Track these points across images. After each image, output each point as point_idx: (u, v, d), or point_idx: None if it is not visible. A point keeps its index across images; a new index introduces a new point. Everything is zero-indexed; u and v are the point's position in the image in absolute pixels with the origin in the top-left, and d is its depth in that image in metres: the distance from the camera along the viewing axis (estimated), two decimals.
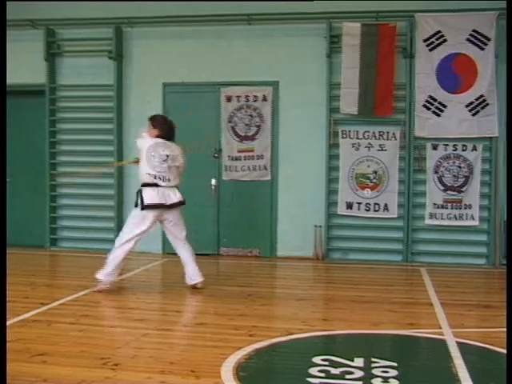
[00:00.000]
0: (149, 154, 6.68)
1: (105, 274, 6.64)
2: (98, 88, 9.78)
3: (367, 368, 4.22)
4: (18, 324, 5.39)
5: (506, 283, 6.33)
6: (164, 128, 6.87)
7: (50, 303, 6.18)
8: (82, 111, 9.90)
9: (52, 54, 9.87)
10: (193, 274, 6.86)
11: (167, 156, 6.76)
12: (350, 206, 9.12)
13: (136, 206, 6.72)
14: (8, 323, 5.36)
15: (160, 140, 6.77)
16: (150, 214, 6.64)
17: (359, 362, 4.34)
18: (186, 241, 6.89)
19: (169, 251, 9.34)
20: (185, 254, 6.86)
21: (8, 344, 4.74)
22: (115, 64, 9.63)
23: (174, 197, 6.80)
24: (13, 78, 9.81)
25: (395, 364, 4.30)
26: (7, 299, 6.26)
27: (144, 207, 6.58)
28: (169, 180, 6.75)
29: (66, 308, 6.07)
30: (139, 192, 6.64)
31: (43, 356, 4.48)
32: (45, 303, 6.16)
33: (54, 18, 9.76)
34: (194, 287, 6.86)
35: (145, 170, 6.67)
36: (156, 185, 6.65)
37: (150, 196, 6.60)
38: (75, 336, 5.04)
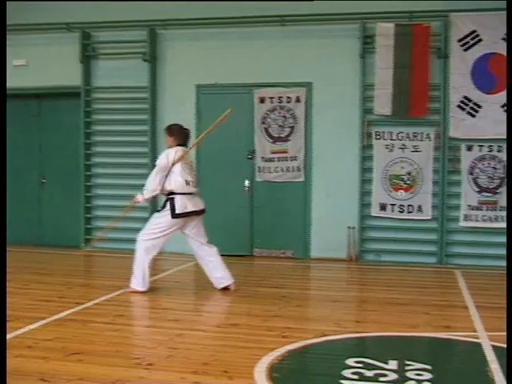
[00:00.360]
0: (183, 161, 6.71)
1: (139, 284, 6.69)
2: (132, 90, 9.87)
3: (401, 371, 4.20)
4: (54, 323, 5.47)
5: (506, 283, 6.27)
6: (182, 137, 6.94)
7: (86, 303, 6.25)
8: (116, 113, 10.00)
9: (87, 56, 9.98)
10: (222, 277, 6.87)
11: (191, 163, 6.88)
12: (383, 207, 9.07)
13: (158, 211, 6.79)
14: (44, 322, 5.46)
15: (181, 148, 6.83)
16: (178, 222, 6.68)
17: (393, 364, 4.31)
18: (209, 244, 6.91)
19: None
20: (212, 258, 6.87)
21: (44, 342, 4.84)
22: (149, 66, 9.70)
23: (201, 203, 6.86)
24: (49, 80, 10.03)
25: (429, 367, 4.26)
26: (42, 298, 6.40)
27: (176, 216, 6.61)
28: (195, 187, 6.82)
29: (100, 308, 6.13)
30: (170, 200, 6.67)
31: (79, 355, 4.53)
32: (80, 303, 6.23)
33: (90, 21, 9.86)
34: (226, 289, 6.86)
35: (183, 178, 6.68)
36: (188, 192, 6.70)
37: (183, 204, 6.64)
38: (110, 336, 5.09)
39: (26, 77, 10.15)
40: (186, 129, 7.10)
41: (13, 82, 10.13)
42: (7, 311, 5.78)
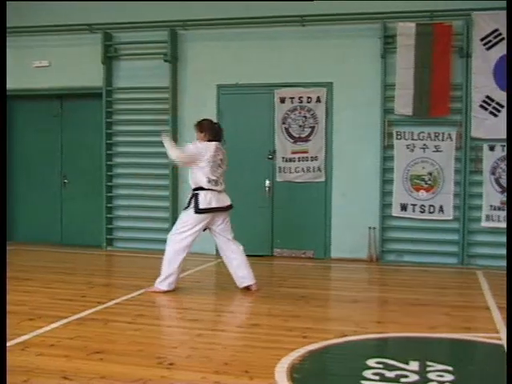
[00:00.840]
0: (211, 159, 6.71)
1: (163, 284, 6.72)
2: (153, 90, 9.91)
3: (422, 372, 4.18)
4: (76, 322, 5.51)
5: (506, 283, 6.21)
6: (212, 132, 6.91)
7: (107, 302, 6.29)
8: (137, 113, 10.05)
9: (109, 57, 10.04)
10: (245, 277, 6.88)
11: (221, 160, 6.84)
12: (404, 207, 9.03)
13: (185, 209, 6.81)
14: (66, 321, 5.50)
15: (215, 143, 6.82)
16: (203, 218, 6.69)
17: (414, 365, 4.29)
18: (235, 241, 6.91)
19: None
20: (237, 256, 6.88)
21: (66, 341, 4.87)
22: (170, 66, 9.74)
23: (227, 199, 6.87)
24: (71, 81, 10.12)
25: (451, 368, 4.24)
26: (64, 297, 6.46)
27: (199, 211, 6.63)
28: (221, 184, 6.82)
29: (122, 307, 6.17)
30: (195, 196, 6.69)
31: (100, 354, 4.56)
32: (102, 302, 6.27)
33: (111, 22, 9.92)
34: (247, 289, 6.88)
35: (206, 175, 6.69)
36: (212, 189, 6.70)
37: (207, 200, 6.66)
38: (131, 335, 5.12)
39: (49, 78, 10.24)
40: (216, 123, 7.09)
41: (35, 82, 10.30)
42: (31, 310, 5.85)
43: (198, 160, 6.67)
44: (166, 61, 9.71)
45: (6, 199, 10.74)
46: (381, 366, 4.29)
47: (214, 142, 6.81)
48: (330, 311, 6.44)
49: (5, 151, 5.93)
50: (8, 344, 4.72)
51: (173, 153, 6.78)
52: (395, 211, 9.07)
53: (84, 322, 5.54)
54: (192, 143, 6.84)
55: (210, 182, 6.69)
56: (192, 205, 6.68)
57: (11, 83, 10.39)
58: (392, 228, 9.19)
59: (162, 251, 6.84)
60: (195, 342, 4.92)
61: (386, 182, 9.10)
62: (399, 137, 8.98)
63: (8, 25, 10.19)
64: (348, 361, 4.57)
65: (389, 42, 8.99)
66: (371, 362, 4.35)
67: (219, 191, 6.78)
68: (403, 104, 8.89)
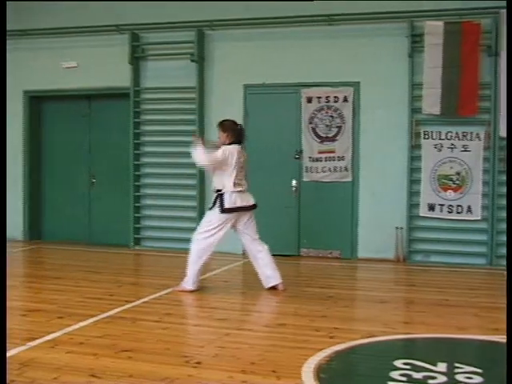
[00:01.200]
0: (236, 163, 6.74)
1: (189, 283, 6.75)
2: (180, 90, 9.96)
3: (450, 373, 4.15)
4: (104, 320, 5.56)
5: (506, 283, 6.13)
6: (235, 133, 6.91)
7: (135, 301, 6.34)
8: (164, 113, 10.11)
9: (136, 57, 10.11)
10: (271, 276, 6.88)
11: (243, 162, 6.88)
12: (432, 207, 8.97)
13: (210, 209, 6.84)
14: (95, 319, 5.55)
15: (238, 147, 6.84)
16: (229, 218, 6.72)
17: (442, 366, 4.27)
18: (261, 241, 6.93)
19: None
20: (263, 255, 6.89)
21: (95, 339, 4.92)
22: (197, 66, 9.78)
23: (251, 199, 6.89)
24: (99, 81, 10.21)
25: (480, 370, 4.21)
26: (93, 296, 6.51)
27: (225, 210, 6.65)
28: (244, 184, 6.85)
29: (149, 306, 6.21)
30: (220, 196, 6.71)
31: (128, 352, 4.60)
32: (129, 301, 6.32)
33: (139, 22, 9.99)
34: (273, 288, 6.88)
35: (232, 179, 6.71)
36: (236, 190, 6.73)
37: (232, 199, 6.68)
38: (159, 334, 5.15)
39: (77, 78, 10.35)
40: (239, 125, 7.10)
41: (64, 83, 10.41)
42: (60, 308, 5.92)
43: (224, 165, 6.70)
44: (192, 61, 9.76)
45: (33, 199, 10.91)
46: (408, 367, 4.26)
47: (236, 146, 6.83)
48: (357, 311, 6.42)
49: (5, 151, 6.01)
50: (38, 341, 4.81)
51: (201, 158, 6.79)
52: (423, 211, 9.01)
53: (112, 320, 5.59)
54: (220, 150, 6.81)
55: (235, 185, 6.72)
56: (217, 205, 6.71)
57: (41, 84, 10.59)
58: (419, 228, 9.13)
59: (189, 250, 6.87)
60: (222, 342, 4.94)
61: (413, 181, 9.04)
62: (427, 136, 8.92)
63: (37, 27, 10.39)
64: (375, 361, 4.56)
65: (416, 40, 8.93)
66: (398, 363, 4.33)
67: (243, 191, 6.80)
68: (431, 103, 8.83)
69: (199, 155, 6.77)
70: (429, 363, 4.32)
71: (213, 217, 6.75)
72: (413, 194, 9.05)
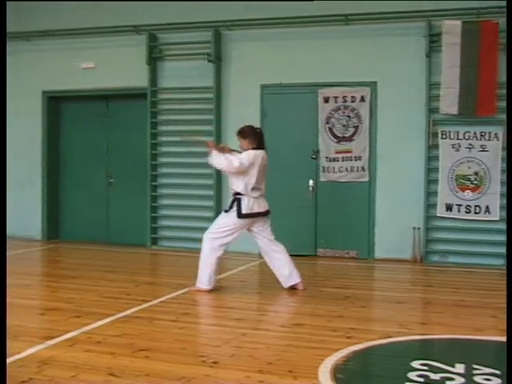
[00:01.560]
0: (260, 168, 6.74)
1: (203, 283, 6.76)
2: (197, 90, 9.99)
3: (468, 375, 4.13)
4: (121, 319, 5.59)
5: (506, 283, 6.07)
6: (256, 138, 6.90)
7: (152, 301, 6.36)
8: (181, 113, 10.14)
9: (154, 58, 10.15)
10: (290, 275, 6.87)
11: (265, 167, 6.87)
12: (449, 207, 8.92)
13: (226, 211, 6.84)
14: (112, 318, 5.59)
15: (262, 151, 6.84)
16: (244, 222, 6.73)
17: (460, 368, 4.25)
18: (277, 242, 6.92)
19: None
20: (280, 255, 6.89)
21: (112, 338, 4.95)
22: (214, 66, 9.80)
23: (266, 204, 6.89)
24: (117, 81, 10.26)
25: (498, 372, 4.17)
26: (110, 295, 6.55)
27: (242, 216, 6.66)
28: (262, 190, 6.85)
29: (166, 306, 6.23)
30: (237, 200, 6.72)
31: (146, 351, 4.62)
32: (146, 300, 6.35)
33: (156, 23, 10.03)
34: (293, 288, 6.88)
35: (252, 184, 6.71)
36: (254, 196, 6.74)
37: (250, 204, 6.68)
38: (176, 333, 5.17)
39: (95, 79, 10.41)
40: (258, 129, 7.09)
41: (82, 83, 10.47)
42: (76, 307, 5.95)
43: (248, 169, 6.70)
44: (209, 61, 9.77)
45: (51, 199, 10.98)
46: (426, 367, 4.25)
47: (261, 151, 6.82)
48: (373, 312, 6.41)
49: (5, 151, 6.06)
50: (56, 340, 4.85)
51: (223, 163, 6.81)
52: (440, 211, 8.97)
53: (129, 319, 5.62)
54: (245, 154, 6.78)
55: (253, 189, 6.73)
56: (234, 208, 6.71)
57: (59, 85, 10.66)
58: (437, 228, 9.09)
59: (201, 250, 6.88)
60: (239, 341, 4.95)
61: (430, 181, 9.00)
62: (444, 136, 8.88)
63: (56, 27, 10.46)
64: (392, 362, 4.55)
65: (434, 40, 8.89)
66: (416, 364, 4.32)
67: (260, 196, 6.81)
68: (448, 103, 8.78)
69: (220, 160, 6.78)
70: (446, 364, 4.30)
71: (229, 220, 6.75)
72: (430, 194, 9.01)
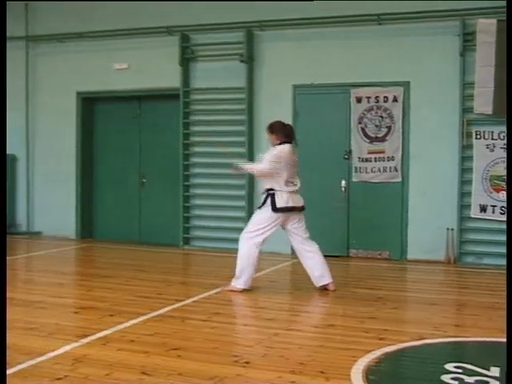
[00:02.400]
0: (288, 162, 6.75)
1: (239, 282, 6.77)
2: (229, 91, 10.01)
3: (504, 378, 4.07)
4: (154, 319, 5.63)
5: (506, 283, 5.96)
6: (285, 132, 6.91)
7: (184, 300, 6.40)
8: (214, 114, 10.17)
9: (186, 58, 10.20)
10: (322, 275, 6.85)
11: (294, 161, 6.86)
12: (483, 208, 8.82)
13: (259, 208, 6.85)
14: (145, 317, 5.63)
15: (288, 146, 6.84)
16: (279, 217, 6.72)
17: (495, 371, 4.19)
18: (311, 241, 6.90)
19: None
20: (313, 254, 6.87)
21: (145, 337, 4.99)
22: (246, 67, 9.81)
23: (301, 200, 6.88)
24: (150, 82, 10.33)
25: None
26: (143, 295, 6.59)
27: (277, 209, 6.65)
28: (296, 184, 6.83)
29: (198, 305, 6.26)
30: (271, 195, 6.72)
31: (178, 350, 4.65)
32: (179, 300, 6.38)
33: (189, 24, 10.08)
34: (324, 288, 6.86)
35: (284, 179, 6.72)
36: (289, 190, 6.73)
37: (284, 199, 6.68)
38: (208, 333, 5.19)
39: (128, 79, 10.49)
40: (287, 125, 7.11)
41: (115, 84, 10.57)
42: (111, 306, 6.01)
43: (278, 167, 6.70)
44: (242, 61, 9.79)
45: (85, 198, 11.11)
46: (460, 370, 4.21)
47: (287, 145, 6.83)
48: (406, 313, 6.36)
49: (5, 151, 6.13)
50: (90, 338, 4.90)
51: (256, 169, 6.86)
52: (474, 212, 8.87)
53: (162, 319, 5.66)
54: (268, 154, 6.83)
55: (287, 184, 6.72)
56: (268, 203, 6.71)
57: (93, 86, 10.78)
58: (471, 229, 8.98)
59: (238, 250, 6.89)
60: (271, 341, 4.95)
61: (464, 182, 8.91)
62: (479, 136, 8.78)
63: (90, 29, 10.58)
64: (425, 364, 4.50)
65: (468, 39, 8.79)
66: (450, 367, 4.28)
67: (295, 191, 6.80)
68: (483, 103, 8.68)
69: (252, 169, 6.84)
70: (481, 367, 4.25)
71: (263, 215, 6.75)
72: (464, 194, 8.91)
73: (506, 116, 8.18)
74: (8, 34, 10.98)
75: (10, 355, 4.38)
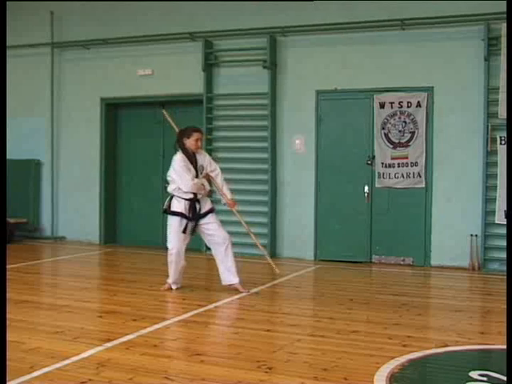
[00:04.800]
0: None
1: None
2: (252, 96, 10.03)
3: None
4: (177, 324, 5.65)
5: (506, 283, 5.86)
6: None
7: (207, 305, 6.40)
8: (237, 119, 10.19)
9: (209, 64, 10.24)
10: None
11: None
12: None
13: None
14: (168, 322, 5.65)
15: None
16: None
17: None
18: None
19: (322, 258, 9.43)
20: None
21: (169, 342, 5.01)
22: (269, 73, 9.83)
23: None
24: (173, 88, 10.40)
25: None
26: (166, 300, 6.62)
27: None
28: None
29: (221, 310, 6.28)
30: None
31: (201, 356, 4.65)
32: (202, 305, 6.39)
33: (212, 30, 10.12)
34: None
35: None
36: None
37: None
38: (231, 338, 5.21)
39: (152, 85, 10.58)
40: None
41: (139, 90, 10.66)
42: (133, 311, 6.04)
43: None
44: (265, 67, 9.81)
45: (109, 203, 11.17)
46: (484, 378, 4.16)
47: None
48: (430, 320, 6.31)
49: (5, 151, 6.17)
50: (114, 343, 4.93)
51: None
52: (498, 218, 8.78)
53: (185, 324, 5.67)
54: None
55: None
56: None
57: (117, 91, 10.87)
58: (495, 236, 8.89)
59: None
60: (294, 347, 4.94)
61: (488, 188, 8.83)
62: (503, 142, 8.70)
63: (114, 36, 10.68)
64: (449, 371, 4.46)
65: (493, 43, 8.73)
66: (474, 374, 4.24)
67: None
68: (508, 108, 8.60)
69: None
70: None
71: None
72: (488, 200, 8.83)
73: (506, 116, 8.12)
74: (34, 41, 11.19)
75: (35, 358, 4.45)
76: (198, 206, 6.96)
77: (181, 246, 6.99)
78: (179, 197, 6.93)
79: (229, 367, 4.41)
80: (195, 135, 7.11)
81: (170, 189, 7.04)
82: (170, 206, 7.00)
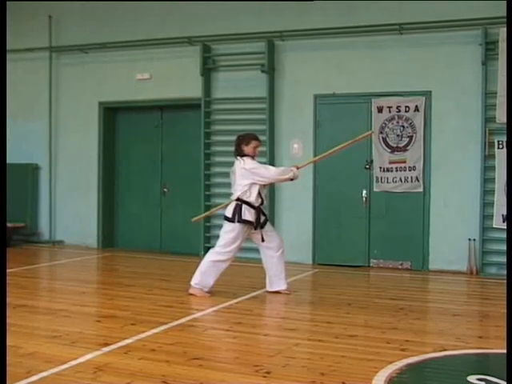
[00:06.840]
0: None
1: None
2: (250, 101, 10.05)
3: None
4: (175, 328, 5.63)
5: (506, 283, 5.87)
6: None
7: (205, 309, 6.40)
8: (235, 123, 10.18)
9: (208, 68, 10.24)
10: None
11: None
12: (506, 219, 8.73)
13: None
14: (166, 327, 5.64)
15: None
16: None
17: None
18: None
19: (320, 262, 9.43)
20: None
21: (167, 346, 5.00)
22: (267, 77, 9.83)
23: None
24: (171, 92, 10.40)
25: None
26: (164, 304, 6.61)
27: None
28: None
29: (220, 315, 6.27)
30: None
31: (199, 360, 4.65)
32: (200, 309, 6.39)
33: (210, 34, 10.13)
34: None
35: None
36: None
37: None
38: (229, 342, 5.20)
39: (150, 89, 10.58)
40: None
41: (137, 94, 10.66)
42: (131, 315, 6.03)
43: None
44: (263, 71, 9.82)
45: (107, 207, 11.17)
46: (483, 383, 4.16)
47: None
48: (428, 324, 6.30)
49: (5, 152, 6.18)
50: (112, 347, 4.92)
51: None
52: (496, 223, 8.79)
53: (183, 328, 5.67)
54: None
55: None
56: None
57: (115, 96, 10.87)
58: (493, 240, 8.90)
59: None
60: (292, 352, 4.94)
61: (486, 192, 8.84)
62: (501, 146, 8.71)
63: (113, 40, 10.69)
64: (448, 376, 4.47)
65: (490, 48, 8.75)
66: (472, 379, 4.24)
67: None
68: (505, 112, 8.60)
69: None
70: (505, 380, 4.18)
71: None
72: (486, 204, 8.84)
73: (506, 115, 8.15)
74: (32, 45, 11.19)
75: (32, 363, 4.44)
76: (262, 216, 7.08)
77: (236, 252, 7.13)
78: (249, 204, 6.96)
79: (227, 371, 4.41)
80: (254, 143, 7.22)
81: (236, 196, 7.12)
82: (239, 215, 6.99)
